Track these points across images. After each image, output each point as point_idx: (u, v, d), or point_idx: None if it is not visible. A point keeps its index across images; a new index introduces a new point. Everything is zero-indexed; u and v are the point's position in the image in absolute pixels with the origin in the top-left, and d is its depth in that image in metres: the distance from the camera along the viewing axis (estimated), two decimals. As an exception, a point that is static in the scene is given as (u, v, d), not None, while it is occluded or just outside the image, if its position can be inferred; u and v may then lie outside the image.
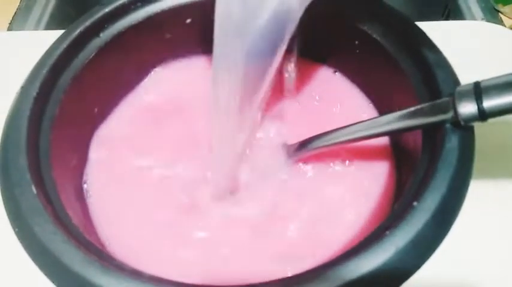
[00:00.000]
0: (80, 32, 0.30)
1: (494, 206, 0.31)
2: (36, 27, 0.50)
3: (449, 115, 0.23)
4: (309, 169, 0.32)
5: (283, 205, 0.30)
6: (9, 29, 0.50)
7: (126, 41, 0.32)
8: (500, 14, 0.50)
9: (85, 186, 0.31)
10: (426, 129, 0.26)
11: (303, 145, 0.30)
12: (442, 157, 0.24)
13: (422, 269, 0.22)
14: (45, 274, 0.22)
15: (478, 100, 0.22)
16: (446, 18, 0.54)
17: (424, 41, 0.29)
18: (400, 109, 0.25)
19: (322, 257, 0.27)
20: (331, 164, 0.32)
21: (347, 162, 0.32)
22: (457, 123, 0.23)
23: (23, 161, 0.24)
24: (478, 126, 0.24)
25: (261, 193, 0.31)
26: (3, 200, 0.24)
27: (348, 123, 0.28)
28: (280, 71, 0.33)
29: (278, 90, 0.35)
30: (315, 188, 0.31)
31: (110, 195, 0.31)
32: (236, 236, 0.29)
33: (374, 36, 0.31)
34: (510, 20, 0.49)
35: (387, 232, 0.22)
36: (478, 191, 0.24)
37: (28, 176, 0.24)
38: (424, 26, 0.30)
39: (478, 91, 0.22)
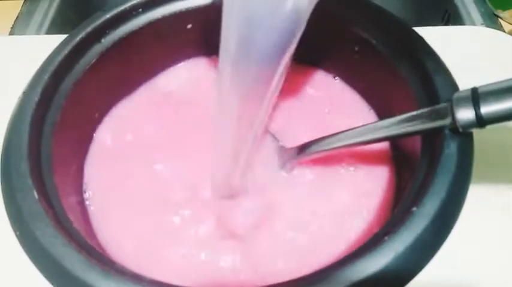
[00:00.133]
0: (82, 37, 0.30)
1: (493, 211, 0.31)
2: (37, 32, 0.50)
3: (447, 121, 0.23)
4: (308, 172, 0.32)
5: (281, 208, 0.31)
6: (11, 33, 0.50)
7: (127, 47, 0.33)
8: (499, 19, 0.50)
9: (85, 189, 0.32)
10: (425, 134, 0.26)
11: (302, 149, 0.31)
12: (441, 163, 0.24)
13: (421, 274, 0.22)
14: (46, 277, 0.22)
15: (476, 106, 0.21)
16: (446, 23, 0.54)
17: (422, 47, 0.29)
18: (399, 115, 0.26)
19: (320, 262, 0.27)
20: (331, 168, 0.32)
21: (347, 166, 0.32)
22: (455, 129, 0.23)
23: (24, 166, 0.25)
24: (477, 130, 0.23)
25: (259, 195, 0.31)
26: (5, 204, 0.24)
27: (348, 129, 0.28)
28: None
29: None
30: (314, 191, 0.31)
31: (110, 199, 0.31)
32: (237, 240, 0.29)
33: (373, 42, 0.31)
34: (509, 25, 0.50)
35: (386, 237, 0.22)
36: (477, 196, 0.25)
37: (30, 181, 0.24)
38: (424, 31, 0.31)
39: (476, 97, 0.22)
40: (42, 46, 0.30)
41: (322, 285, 0.21)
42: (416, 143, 0.27)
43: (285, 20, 0.23)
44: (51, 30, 0.51)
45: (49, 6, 0.53)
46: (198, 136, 0.34)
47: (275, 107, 0.35)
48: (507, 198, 0.31)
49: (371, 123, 0.27)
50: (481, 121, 0.21)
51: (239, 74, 0.25)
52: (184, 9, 0.34)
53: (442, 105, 0.24)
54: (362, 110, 0.35)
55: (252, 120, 0.28)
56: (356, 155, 0.32)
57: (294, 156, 0.31)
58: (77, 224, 0.25)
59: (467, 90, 0.22)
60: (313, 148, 0.30)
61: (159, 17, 0.33)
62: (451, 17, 0.53)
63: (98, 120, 0.34)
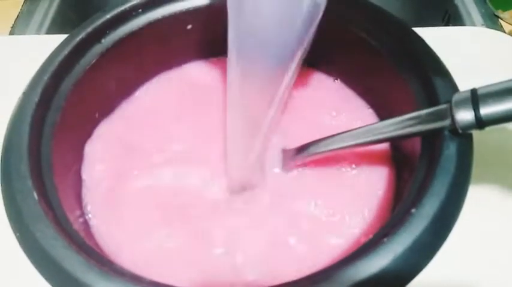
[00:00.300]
0: (82, 38, 0.30)
1: (493, 212, 0.31)
2: (37, 32, 0.50)
3: (447, 122, 0.23)
4: (307, 173, 0.32)
5: (280, 208, 0.31)
6: (11, 33, 0.50)
7: (128, 47, 0.33)
8: (500, 20, 0.50)
9: (85, 191, 0.32)
10: (425, 135, 0.26)
11: (301, 150, 0.31)
12: (441, 164, 0.24)
13: (421, 275, 0.22)
14: (46, 279, 0.22)
15: (475, 108, 0.21)
16: (446, 24, 0.54)
17: (422, 48, 0.29)
18: (399, 116, 0.26)
19: (321, 262, 0.27)
20: (331, 168, 0.32)
21: (347, 166, 0.32)
22: (455, 131, 0.23)
23: (24, 167, 0.25)
24: (476, 131, 0.23)
25: (261, 196, 0.31)
26: (5, 205, 0.24)
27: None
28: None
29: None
30: (314, 191, 0.31)
31: (110, 201, 0.31)
32: (237, 243, 0.29)
33: (373, 43, 0.31)
34: (510, 26, 0.50)
35: (385, 239, 0.22)
36: (476, 197, 0.25)
37: (30, 182, 0.24)
38: (424, 31, 0.31)
39: (475, 99, 0.21)
40: (42, 46, 0.30)
41: (322, 286, 0.21)
42: (416, 144, 0.27)
43: (302, 15, 0.22)
44: (51, 30, 0.51)
45: (49, 6, 0.53)
46: (199, 139, 0.34)
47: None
48: (506, 199, 0.31)
49: (370, 124, 0.27)
50: (480, 123, 0.21)
51: (252, 73, 0.25)
52: (184, 10, 0.34)
53: (442, 106, 0.24)
54: (362, 111, 0.35)
55: (264, 118, 0.28)
56: (356, 155, 0.32)
57: (293, 157, 0.31)
58: (76, 225, 0.25)
59: (467, 91, 0.22)
60: (312, 149, 0.30)
61: (159, 17, 0.33)
62: (451, 17, 0.53)
63: (98, 121, 0.34)
